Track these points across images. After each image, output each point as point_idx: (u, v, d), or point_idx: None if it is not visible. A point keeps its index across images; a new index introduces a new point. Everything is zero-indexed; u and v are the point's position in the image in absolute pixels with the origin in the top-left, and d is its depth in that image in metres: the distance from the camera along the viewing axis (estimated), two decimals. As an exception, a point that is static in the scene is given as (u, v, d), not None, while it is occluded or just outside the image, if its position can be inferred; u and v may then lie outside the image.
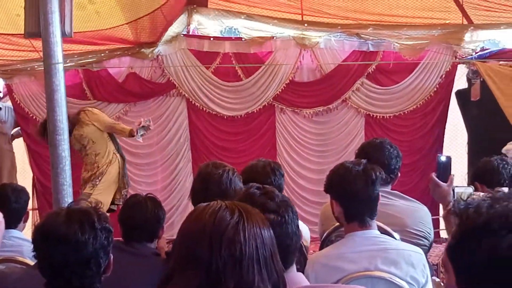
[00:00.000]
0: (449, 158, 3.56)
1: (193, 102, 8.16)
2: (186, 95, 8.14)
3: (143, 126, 6.50)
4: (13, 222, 4.11)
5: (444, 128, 7.83)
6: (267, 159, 4.23)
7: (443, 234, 7.32)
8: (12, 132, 8.42)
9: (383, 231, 3.37)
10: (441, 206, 3.74)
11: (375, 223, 3.02)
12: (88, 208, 2.40)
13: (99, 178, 6.70)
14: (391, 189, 3.85)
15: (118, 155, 6.83)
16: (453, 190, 2.83)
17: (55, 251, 2.26)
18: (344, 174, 2.99)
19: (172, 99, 8.24)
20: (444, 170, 3.49)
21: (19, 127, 8.45)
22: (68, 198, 4.64)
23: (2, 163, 8.10)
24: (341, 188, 2.99)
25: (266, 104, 8.09)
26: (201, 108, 8.18)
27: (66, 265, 2.26)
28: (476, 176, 4.53)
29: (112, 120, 6.91)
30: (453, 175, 3.48)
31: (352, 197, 2.95)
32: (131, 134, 6.58)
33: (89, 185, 6.68)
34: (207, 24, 7.91)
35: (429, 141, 7.82)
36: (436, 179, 3.46)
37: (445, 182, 3.36)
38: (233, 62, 8.03)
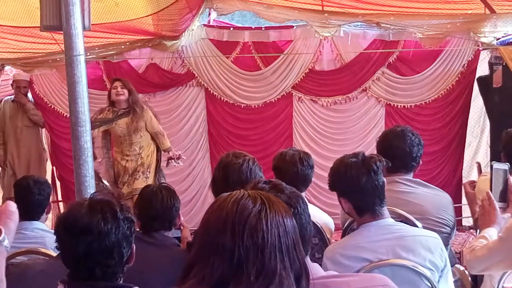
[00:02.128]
0: (478, 164, 3.62)
1: (211, 92, 8.18)
2: (206, 84, 8.16)
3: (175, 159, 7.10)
4: (36, 213, 4.15)
5: (467, 117, 7.77)
6: (299, 149, 4.26)
7: (466, 222, 7.29)
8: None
9: (405, 220, 3.37)
10: (463, 195, 3.81)
11: (386, 211, 3.01)
12: (110, 198, 2.41)
13: (149, 170, 6.91)
14: (413, 177, 3.85)
15: (154, 143, 7.14)
16: (491, 167, 2.85)
17: (78, 242, 2.27)
18: (346, 171, 2.96)
19: (191, 89, 8.26)
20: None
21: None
22: (90, 189, 4.65)
23: (30, 156, 8.16)
24: (346, 185, 2.97)
25: (285, 94, 8.08)
26: (219, 98, 8.19)
27: (89, 255, 2.27)
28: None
29: (160, 128, 7.13)
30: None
31: (359, 191, 2.92)
32: (167, 150, 7.08)
33: (142, 178, 6.94)
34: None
35: (452, 131, 7.76)
36: (466, 185, 3.53)
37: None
38: (253, 51, 8.02)
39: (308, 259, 2.06)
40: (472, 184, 3.67)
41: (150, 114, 7.01)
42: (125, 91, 6.94)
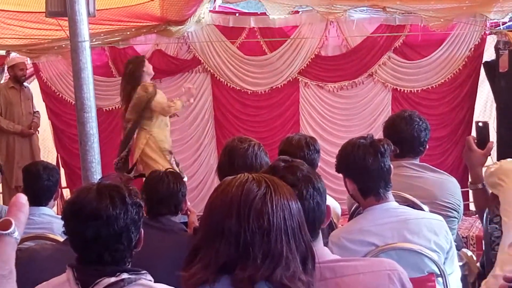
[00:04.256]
0: (485, 124, 3.40)
1: (218, 78, 8.16)
2: (212, 70, 8.15)
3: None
4: (44, 199, 4.17)
5: (475, 101, 7.75)
6: (305, 134, 4.25)
7: (473, 206, 7.27)
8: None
9: (412, 204, 3.36)
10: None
11: (391, 195, 3.00)
12: (118, 183, 2.41)
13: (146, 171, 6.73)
14: (420, 162, 3.84)
15: (148, 135, 6.78)
16: None
17: (87, 226, 2.27)
18: (352, 151, 2.97)
19: (197, 75, 8.25)
20: (481, 137, 3.37)
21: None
22: (97, 175, 4.68)
23: (32, 142, 8.17)
24: (352, 165, 2.98)
25: (291, 79, 8.07)
26: (225, 84, 8.18)
27: (98, 240, 2.26)
28: None
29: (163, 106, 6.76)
30: (492, 142, 3.38)
31: (364, 171, 2.93)
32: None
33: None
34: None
35: (459, 115, 7.75)
36: (471, 141, 3.38)
37: (483, 149, 3.30)
38: (258, 37, 8.00)
39: (321, 243, 2.06)
40: (475, 140, 3.39)
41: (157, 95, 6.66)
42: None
